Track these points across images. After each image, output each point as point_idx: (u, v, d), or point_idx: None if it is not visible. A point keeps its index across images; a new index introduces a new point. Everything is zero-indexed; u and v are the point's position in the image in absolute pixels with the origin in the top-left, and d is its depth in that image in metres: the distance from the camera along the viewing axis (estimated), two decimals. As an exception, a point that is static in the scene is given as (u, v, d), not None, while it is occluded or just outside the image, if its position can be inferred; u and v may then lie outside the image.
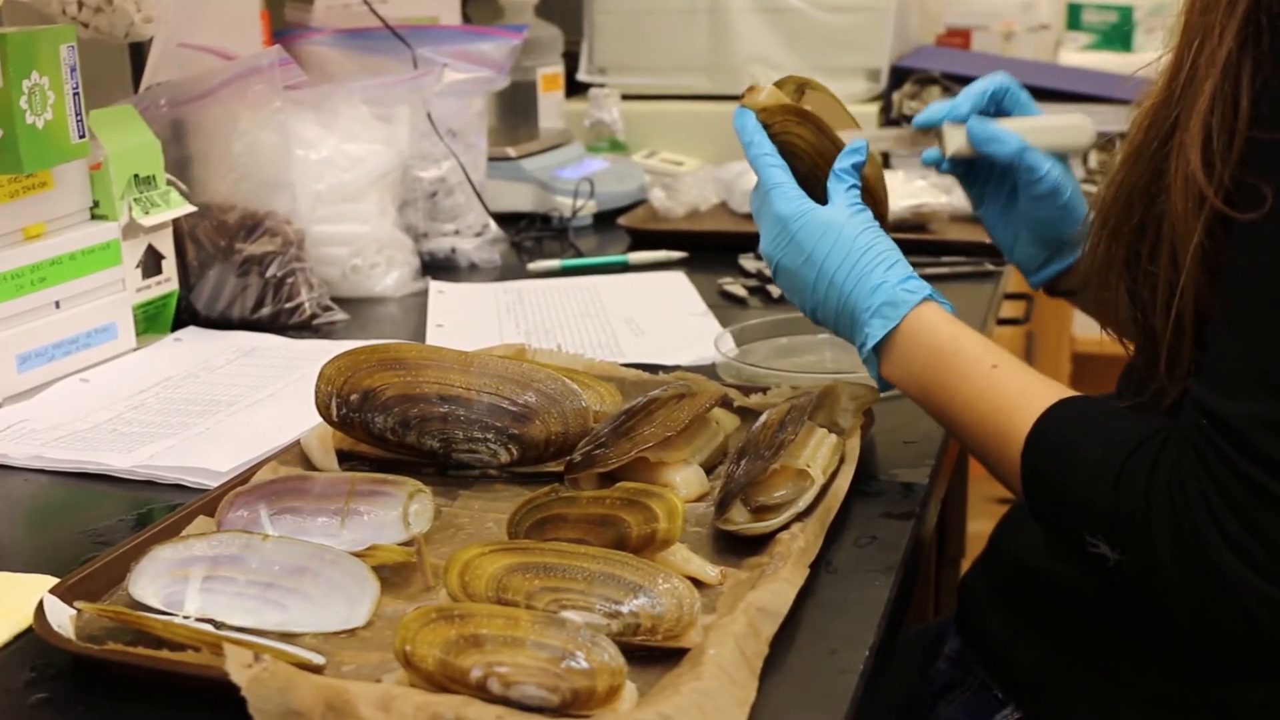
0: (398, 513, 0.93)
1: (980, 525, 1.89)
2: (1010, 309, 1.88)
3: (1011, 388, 0.93)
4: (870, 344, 1.00)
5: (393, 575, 0.88)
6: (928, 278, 1.19)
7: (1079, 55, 2.96)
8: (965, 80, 2.19)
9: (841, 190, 1.04)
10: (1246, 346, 0.80)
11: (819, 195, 1.04)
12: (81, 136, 1.30)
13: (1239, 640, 0.82)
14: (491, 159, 1.91)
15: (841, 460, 1.00)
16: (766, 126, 1.07)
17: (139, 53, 1.63)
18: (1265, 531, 0.77)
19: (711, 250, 1.75)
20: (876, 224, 1.03)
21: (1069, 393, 0.92)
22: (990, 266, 1.65)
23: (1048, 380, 0.94)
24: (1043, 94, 2.13)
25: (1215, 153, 0.83)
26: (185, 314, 1.51)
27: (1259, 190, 0.79)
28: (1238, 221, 0.81)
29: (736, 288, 1.59)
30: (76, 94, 1.29)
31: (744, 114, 1.07)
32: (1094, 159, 2.13)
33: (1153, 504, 0.81)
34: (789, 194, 1.04)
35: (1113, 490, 0.83)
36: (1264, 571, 0.78)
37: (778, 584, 0.82)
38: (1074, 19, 3.17)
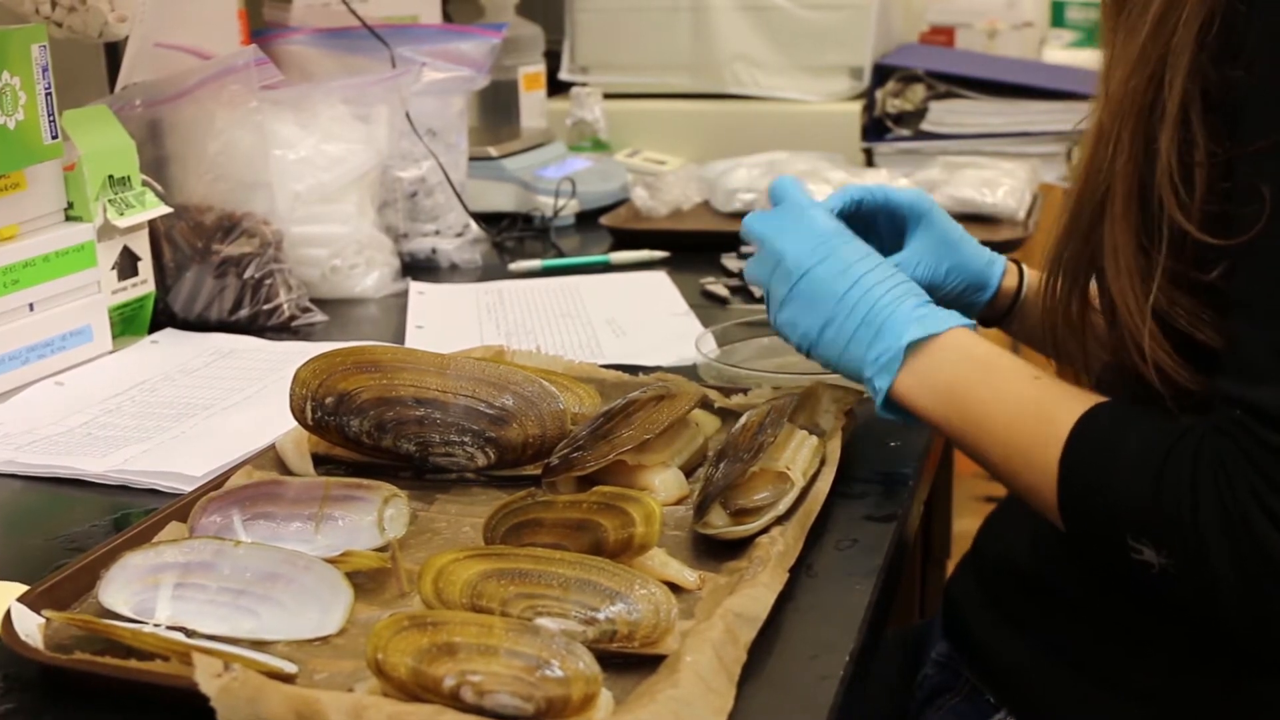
0: (373, 518, 0.92)
1: (966, 524, 1.89)
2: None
3: (1053, 392, 0.90)
4: (905, 340, 0.96)
5: (367, 581, 0.87)
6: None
7: (1063, 53, 2.97)
8: (949, 78, 2.20)
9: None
10: (1266, 330, 0.79)
11: None
12: (54, 137, 1.29)
13: None
14: (473, 158, 1.90)
15: (822, 462, 0.99)
16: None
17: (114, 52, 1.62)
18: None
19: (694, 250, 1.75)
20: None
21: (1108, 400, 0.89)
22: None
23: (1089, 392, 0.91)
24: (1027, 92, 2.15)
25: (1179, 190, 0.83)
26: (162, 316, 1.49)
27: (1255, 192, 0.79)
28: (1240, 221, 0.80)
29: (718, 287, 1.58)
30: (49, 94, 1.28)
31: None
32: (1077, 154, 2.12)
33: (1200, 499, 0.78)
34: (826, 212, 1.05)
35: (1155, 487, 0.80)
36: None
37: (757, 589, 0.81)
38: (1058, 16, 3.18)
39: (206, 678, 0.68)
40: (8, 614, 0.79)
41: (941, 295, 1.14)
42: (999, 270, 1.17)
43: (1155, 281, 0.84)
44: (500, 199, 1.96)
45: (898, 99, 2.23)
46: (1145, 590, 0.84)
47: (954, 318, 0.97)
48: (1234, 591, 0.78)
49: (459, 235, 1.78)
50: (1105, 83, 0.89)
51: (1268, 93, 0.80)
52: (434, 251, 1.77)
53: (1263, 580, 0.76)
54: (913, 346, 0.96)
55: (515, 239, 1.89)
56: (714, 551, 0.91)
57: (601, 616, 0.78)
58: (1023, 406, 0.90)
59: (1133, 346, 0.87)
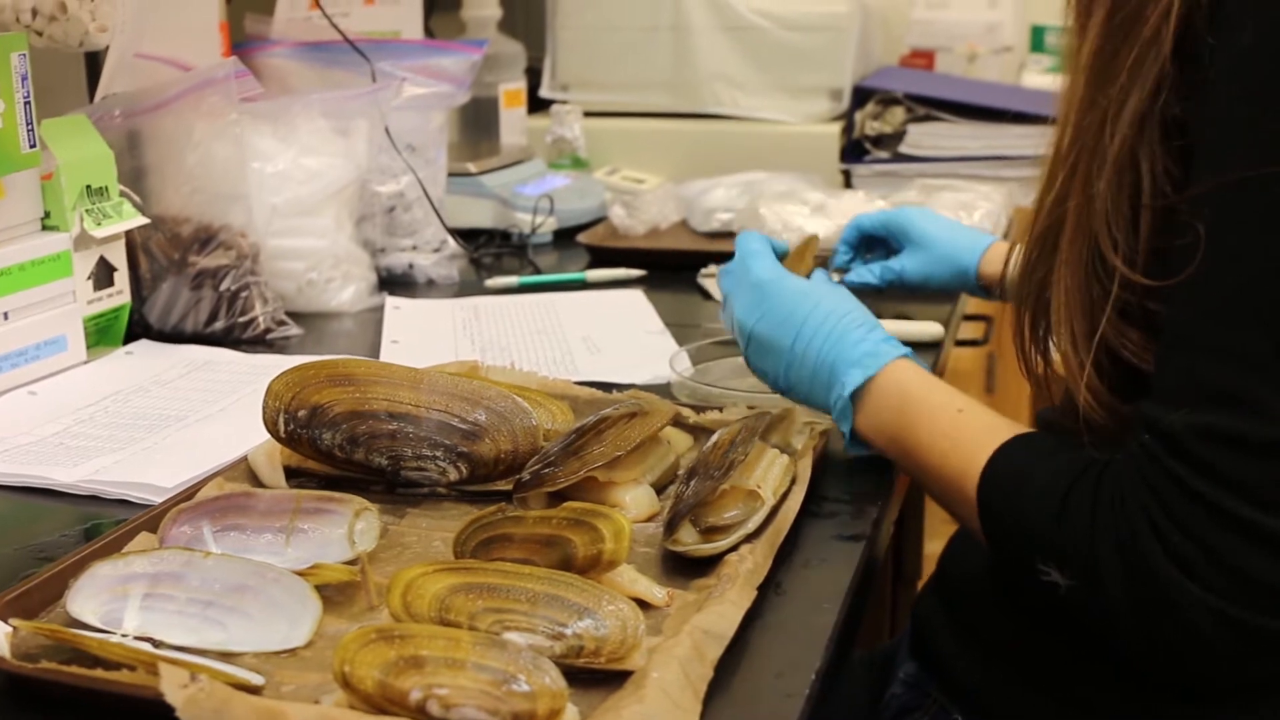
0: (343, 530, 0.92)
1: (936, 545, 1.89)
2: (970, 330, 1.88)
3: (974, 427, 0.95)
4: (848, 390, 1.02)
5: (336, 594, 0.87)
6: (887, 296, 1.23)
7: (1042, 77, 2.97)
8: (928, 101, 2.21)
9: (817, 274, 1.14)
10: (1189, 360, 0.80)
11: None
12: (33, 146, 1.29)
13: (1185, 655, 0.81)
14: (452, 174, 1.90)
15: (793, 481, 0.99)
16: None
17: (94, 62, 1.61)
18: (1205, 540, 0.77)
19: (670, 269, 1.75)
20: (853, 295, 1.09)
21: (1029, 431, 0.93)
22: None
23: (1011, 422, 0.95)
24: (1006, 116, 2.16)
25: (1119, 239, 0.85)
26: (137, 327, 1.49)
27: (1192, 228, 0.80)
28: (1175, 253, 0.81)
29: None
30: (28, 103, 1.28)
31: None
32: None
33: (1097, 522, 0.82)
34: (767, 264, 1.11)
35: (1059, 513, 0.84)
36: (1204, 581, 0.77)
37: (724, 606, 0.81)
38: (1037, 41, 3.19)
39: (173, 688, 0.68)
40: (-26, 622, 0.79)
41: (934, 287, 1.45)
42: (975, 260, 1.42)
43: (1104, 317, 0.86)
44: (478, 215, 1.96)
45: (877, 121, 2.24)
46: (1055, 609, 0.87)
47: (888, 350, 1.03)
48: (1126, 613, 0.81)
49: (436, 251, 1.78)
50: (1060, 117, 0.90)
51: (1215, 134, 0.81)
52: (411, 267, 1.77)
53: (1149, 601, 0.79)
54: (858, 391, 1.02)
55: (492, 255, 1.89)
56: (683, 568, 0.91)
57: (569, 632, 0.78)
58: (949, 445, 0.95)
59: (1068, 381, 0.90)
